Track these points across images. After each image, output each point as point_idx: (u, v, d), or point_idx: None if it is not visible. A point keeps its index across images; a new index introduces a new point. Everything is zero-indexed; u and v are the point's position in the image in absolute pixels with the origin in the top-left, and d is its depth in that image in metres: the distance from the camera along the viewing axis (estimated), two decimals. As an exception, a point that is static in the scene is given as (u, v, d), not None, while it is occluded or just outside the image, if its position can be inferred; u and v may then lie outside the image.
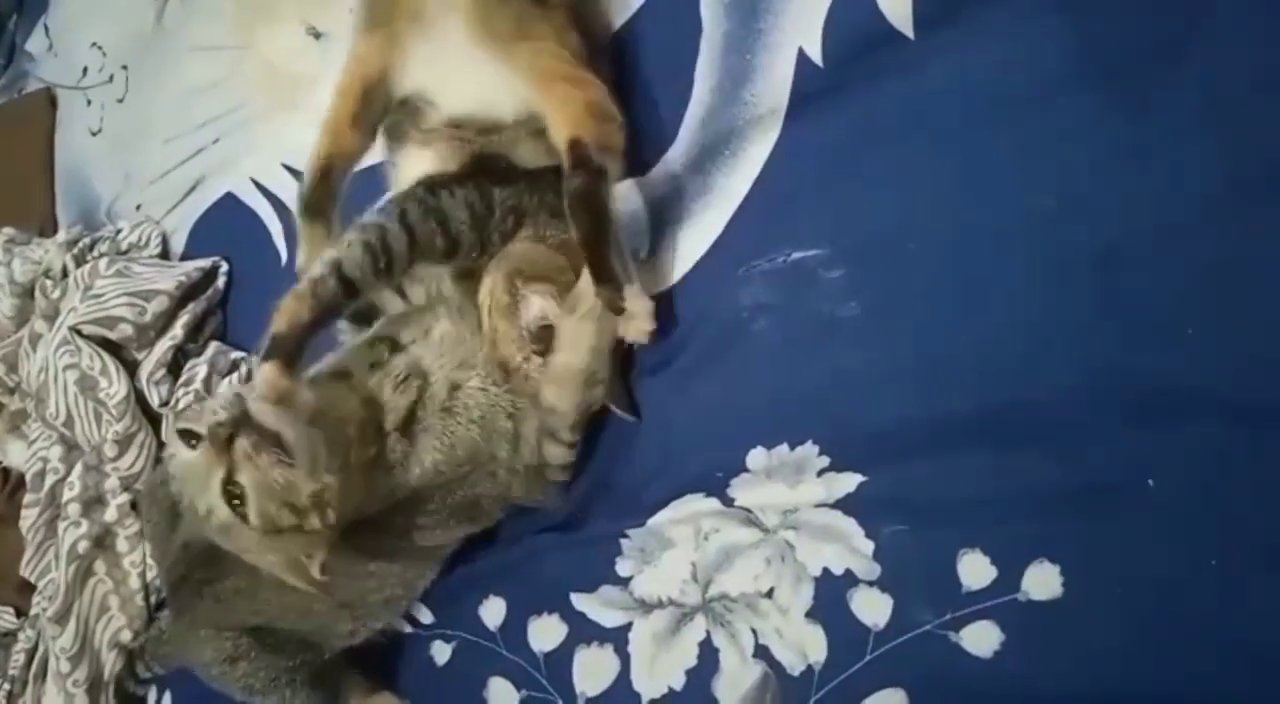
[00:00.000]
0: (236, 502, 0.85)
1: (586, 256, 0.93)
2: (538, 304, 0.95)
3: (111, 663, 1.39)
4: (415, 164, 1.02)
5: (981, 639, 0.75)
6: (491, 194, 0.98)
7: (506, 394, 0.99)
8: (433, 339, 1.00)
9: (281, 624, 1.06)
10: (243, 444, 0.85)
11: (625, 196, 1.07)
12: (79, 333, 1.44)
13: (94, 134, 1.93)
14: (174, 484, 0.89)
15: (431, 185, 0.98)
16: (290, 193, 1.49)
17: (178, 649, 1.19)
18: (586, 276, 0.93)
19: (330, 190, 1.03)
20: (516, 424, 1.00)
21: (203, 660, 1.09)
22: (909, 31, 0.90)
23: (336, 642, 1.09)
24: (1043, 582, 0.74)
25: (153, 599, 1.40)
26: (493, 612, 1.05)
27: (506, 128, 1.00)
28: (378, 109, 1.03)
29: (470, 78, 0.99)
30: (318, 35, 1.51)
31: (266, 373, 0.87)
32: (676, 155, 1.06)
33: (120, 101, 1.89)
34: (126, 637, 1.40)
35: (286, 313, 0.89)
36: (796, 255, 0.94)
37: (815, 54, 0.96)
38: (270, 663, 1.06)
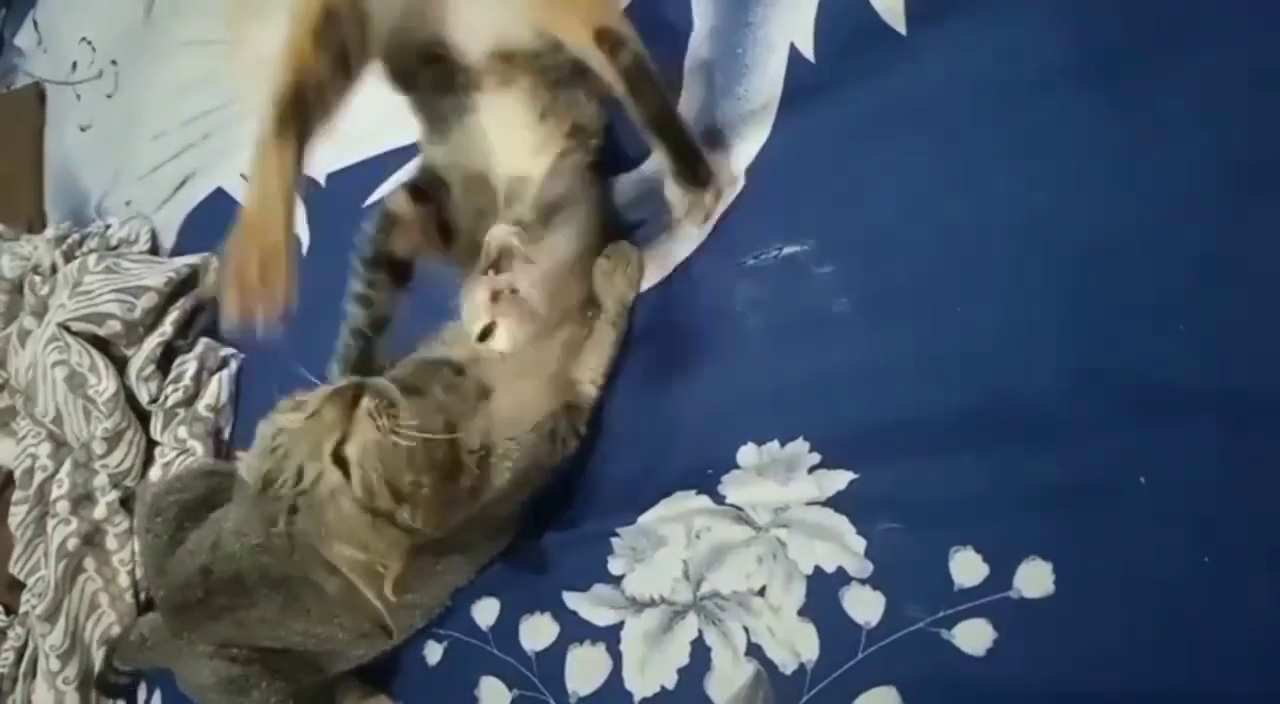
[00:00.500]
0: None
1: (660, 135, 0.92)
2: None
3: (101, 659, 1.39)
4: (501, 109, 0.99)
5: (974, 637, 0.75)
6: None
7: (556, 398, 1.01)
8: (486, 355, 1.00)
9: (296, 648, 1.05)
10: (368, 403, 0.85)
11: (620, 189, 1.08)
12: (68, 330, 1.44)
13: (83, 129, 1.93)
14: (275, 454, 0.87)
15: None
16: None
17: (164, 657, 1.17)
18: (607, 286, 0.98)
19: (303, 113, 0.90)
20: (555, 424, 1.01)
21: (198, 681, 1.09)
22: (901, 27, 0.90)
23: (344, 664, 1.09)
24: (1035, 579, 0.74)
25: (142, 596, 1.39)
26: (485, 611, 1.04)
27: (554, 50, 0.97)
28: (349, 32, 0.91)
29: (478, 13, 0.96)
30: (309, 30, 1.50)
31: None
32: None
33: (109, 97, 1.89)
34: (116, 632, 1.40)
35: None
36: (787, 250, 0.94)
37: (807, 50, 0.96)
38: (280, 688, 1.06)
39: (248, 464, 0.90)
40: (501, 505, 1.00)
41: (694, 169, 0.95)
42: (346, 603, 0.88)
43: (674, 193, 0.97)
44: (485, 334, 0.98)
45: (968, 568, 0.77)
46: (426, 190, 1.01)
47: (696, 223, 1.00)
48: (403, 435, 0.85)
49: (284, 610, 1.01)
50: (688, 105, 1.05)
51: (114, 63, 1.88)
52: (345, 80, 0.93)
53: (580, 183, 1.01)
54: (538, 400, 1.00)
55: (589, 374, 1.04)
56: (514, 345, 0.98)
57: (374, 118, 1.33)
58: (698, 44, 1.04)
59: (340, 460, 0.84)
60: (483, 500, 0.96)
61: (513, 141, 1.02)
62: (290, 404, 0.88)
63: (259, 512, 0.89)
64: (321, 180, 1.41)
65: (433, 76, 0.99)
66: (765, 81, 0.99)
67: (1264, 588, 0.66)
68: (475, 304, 0.98)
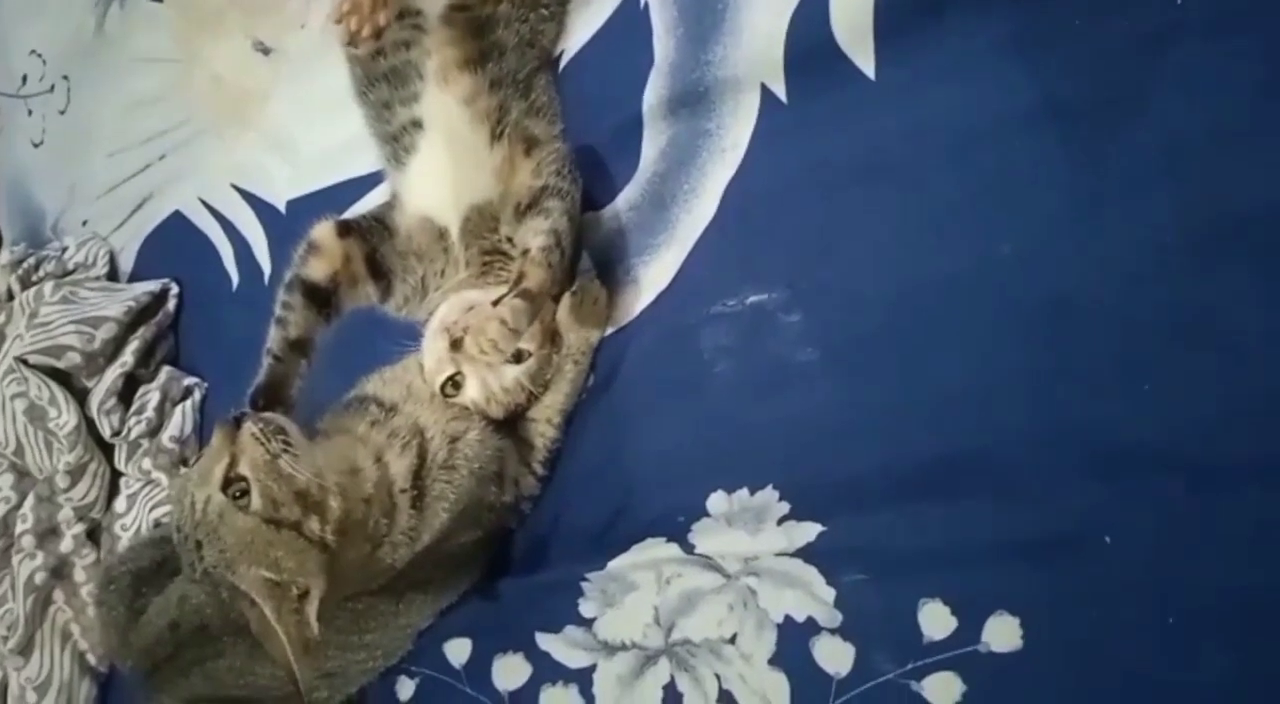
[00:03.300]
0: (238, 496, 0.85)
1: None
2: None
3: (86, 690, 1.39)
4: (453, 129, 1.03)
5: (943, 690, 0.75)
6: None
7: (499, 440, 1.01)
8: (421, 396, 1.00)
9: (262, 695, 1.04)
10: (250, 426, 0.87)
11: (593, 224, 1.08)
12: (25, 363, 1.41)
13: (36, 145, 1.87)
14: (178, 503, 0.89)
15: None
16: (240, 214, 1.47)
17: None
18: (573, 323, 0.99)
19: None
20: (501, 465, 1.01)
21: None
22: (870, 71, 0.90)
23: None
24: (1003, 633, 0.74)
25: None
26: (457, 650, 1.03)
27: None
28: None
29: None
30: (266, 51, 1.48)
31: (516, 306, 0.91)
32: (637, 187, 1.05)
33: (62, 112, 1.83)
34: (93, 660, 1.40)
35: (535, 277, 0.94)
36: (754, 298, 0.93)
37: (779, 90, 0.95)
38: None
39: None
40: (455, 543, 1.00)
41: None
42: (263, 637, 0.86)
43: None
44: (454, 385, 0.98)
45: (936, 620, 0.77)
46: (356, 227, 1.05)
47: None
48: (293, 454, 0.87)
49: (251, 656, 1.00)
50: (654, 137, 1.04)
51: (65, 78, 1.82)
52: None
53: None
54: (475, 444, 0.99)
55: (545, 412, 1.04)
56: (486, 396, 0.98)
57: (335, 145, 1.32)
58: (658, 79, 1.03)
59: (230, 482, 0.85)
60: (422, 542, 0.95)
61: (466, 169, 1.02)
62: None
63: (185, 562, 0.89)
64: (281, 207, 1.39)
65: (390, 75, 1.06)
66: (737, 121, 0.98)
67: (1226, 648, 0.67)
68: (437, 354, 0.97)
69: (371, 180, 1.25)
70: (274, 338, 1.00)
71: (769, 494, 0.89)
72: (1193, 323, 0.73)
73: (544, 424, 1.03)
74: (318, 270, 1.02)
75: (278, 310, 1.02)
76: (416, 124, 1.05)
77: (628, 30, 1.06)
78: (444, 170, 1.03)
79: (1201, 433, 0.71)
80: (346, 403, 1.03)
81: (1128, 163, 0.77)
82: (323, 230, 1.04)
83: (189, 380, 1.46)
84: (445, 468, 0.96)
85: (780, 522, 0.87)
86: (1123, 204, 0.76)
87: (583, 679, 0.94)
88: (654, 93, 1.03)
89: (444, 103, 1.03)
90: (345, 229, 1.04)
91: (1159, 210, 0.75)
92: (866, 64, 0.90)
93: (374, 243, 1.04)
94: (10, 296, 1.57)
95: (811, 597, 0.83)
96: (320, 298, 1.02)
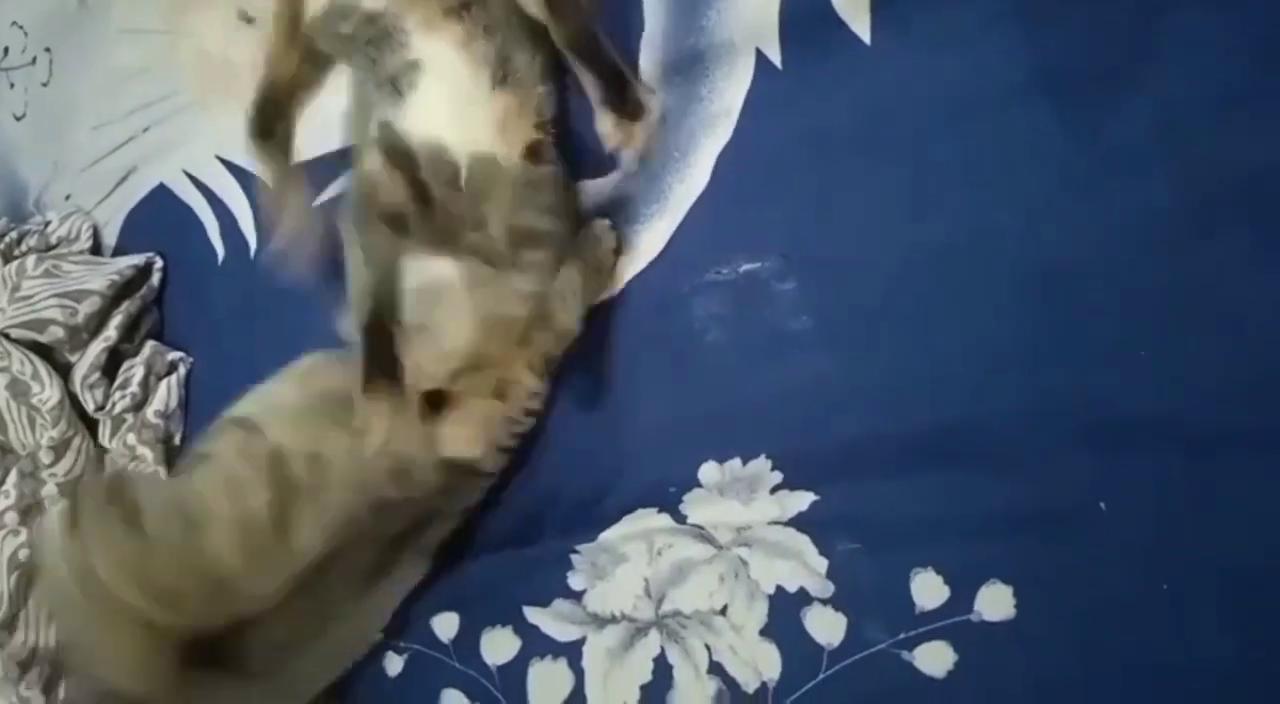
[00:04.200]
0: None
1: (582, 58, 0.93)
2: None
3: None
4: (448, 75, 0.97)
5: (935, 659, 0.75)
6: None
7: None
8: (282, 412, 0.97)
9: None
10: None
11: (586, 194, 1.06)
12: (7, 337, 1.39)
13: (18, 119, 1.85)
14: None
15: None
16: (225, 187, 1.45)
17: None
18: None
19: (279, 113, 1.07)
20: (396, 462, 0.97)
21: None
22: (865, 35, 0.89)
23: None
24: (995, 602, 0.74)
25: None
26: (445, 624, 1.03)
27: None
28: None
29: None
30: (250, 20, 1.45)
31: None
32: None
33: (45, 85, 1.80)
34: (75, 638, 1.38)
35: None
36: (748, 266, 0.92)
37: (774, 55, 0.94)
38: None
39: None
40: (393, 522, 0.99)
41: (621, 97, 0.93)
42: None
43: (604, 122, 0.94)
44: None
45: (929, 590, 0.77)
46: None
47: (628, 155, 0.97)
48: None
49: None
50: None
51: (48, 50, 1.80)
52: (314, 70, 1.08)
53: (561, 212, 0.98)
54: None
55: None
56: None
57: (323, 116, 1.30)
58: (650, 45, 1.02)
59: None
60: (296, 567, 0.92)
61: (467, 111, 0.99)
62: None
63: None
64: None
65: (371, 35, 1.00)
66: (731, 86, 0.97)
67: (1221, 615, 0.67)
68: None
69: (359, 151, 1.24)
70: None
71: (761, 464, 0.88)
72: (1192, 292, 0.73)
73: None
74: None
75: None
76: (413, 66, 0.98)
77: (620, -5, 1.05)
78: (444, 109, 0.98)
79: (1200, 403, 0.71)
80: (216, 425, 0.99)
81: (1126, 131, 0.76)
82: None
83: (174, 355, 1.44)
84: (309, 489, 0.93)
85: (773, 491, 0.86)
86: (1121, 172, 0.76)
87: (572, 652, 0.93)
88: (646, 59, 1.02)
89: (437, 47, 0.97)
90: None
91: (1157, 179, 0.75)
92: (863, 29, 0.89)
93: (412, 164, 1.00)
94: (-9, 270, 1.55)
95: (804, 567, 0.82)
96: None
